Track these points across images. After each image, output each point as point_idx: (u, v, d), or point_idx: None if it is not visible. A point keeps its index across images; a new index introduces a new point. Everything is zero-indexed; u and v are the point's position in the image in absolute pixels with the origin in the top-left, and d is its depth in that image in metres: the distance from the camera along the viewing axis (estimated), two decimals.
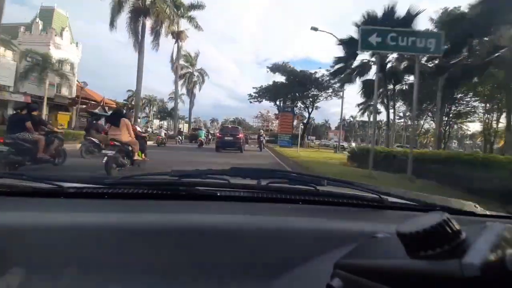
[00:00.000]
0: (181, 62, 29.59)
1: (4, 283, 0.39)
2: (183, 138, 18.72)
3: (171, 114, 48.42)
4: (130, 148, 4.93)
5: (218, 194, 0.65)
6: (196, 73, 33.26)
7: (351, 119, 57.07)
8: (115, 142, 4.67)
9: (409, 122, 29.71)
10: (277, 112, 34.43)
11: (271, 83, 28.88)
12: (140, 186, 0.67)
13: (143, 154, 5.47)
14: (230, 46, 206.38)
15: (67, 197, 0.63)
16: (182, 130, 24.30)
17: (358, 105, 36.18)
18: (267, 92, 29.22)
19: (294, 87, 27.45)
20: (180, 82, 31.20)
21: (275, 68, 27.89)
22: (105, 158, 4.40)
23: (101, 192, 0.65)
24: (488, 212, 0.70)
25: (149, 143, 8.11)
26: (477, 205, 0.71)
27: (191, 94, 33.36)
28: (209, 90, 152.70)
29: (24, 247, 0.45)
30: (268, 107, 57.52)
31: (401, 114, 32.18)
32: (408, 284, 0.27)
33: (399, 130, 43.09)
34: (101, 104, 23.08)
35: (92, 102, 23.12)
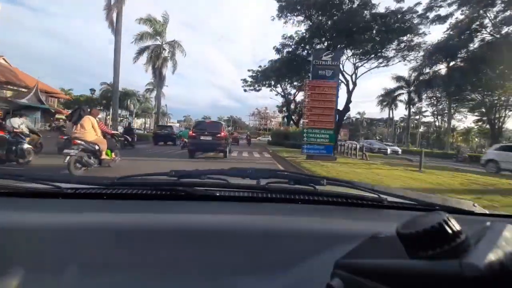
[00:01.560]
0: (146, 29, 21.55)
1: (4, 283, 0.40)
2: (135, 139, 12.66)
3: (148, 110, 39.96)
4: (96, 147, 4.73)
5: (217, 195, 0.68)
6: (167, 48, 23.40)
7: (358, 116, 54.70)
8: (78, 141, 4.52)
9: (424, 120, 25.82)
10: (279, 104, 27.00)
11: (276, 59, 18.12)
12: (138, 187, 0.70)
13: (112, 153, 5.33)
14: (229, 46, 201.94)
15: (66, 198, 0.65)
16: (133, 127, 16.20)
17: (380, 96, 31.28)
18: (274, 67, 19.19)
19: (333, 26, 13.05)
20: (144, 58, 22.14)
21: (289, 5, 13.99)
22: (67, 158, 4.27)
23: (100, 192, 0.67)
24: (487, 211, 0.72)
25: None
26: (476, 204, 0.73)
27: (158, 75, 23.18)
28: (208, 90, 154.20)
29: (23, 247, 0.47)
30: (267, 104, 52.70)
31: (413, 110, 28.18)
32: (408, 284, 0.28)
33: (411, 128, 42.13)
34: (34, 91, 17.46)
35: (22, 89, 17.66)
